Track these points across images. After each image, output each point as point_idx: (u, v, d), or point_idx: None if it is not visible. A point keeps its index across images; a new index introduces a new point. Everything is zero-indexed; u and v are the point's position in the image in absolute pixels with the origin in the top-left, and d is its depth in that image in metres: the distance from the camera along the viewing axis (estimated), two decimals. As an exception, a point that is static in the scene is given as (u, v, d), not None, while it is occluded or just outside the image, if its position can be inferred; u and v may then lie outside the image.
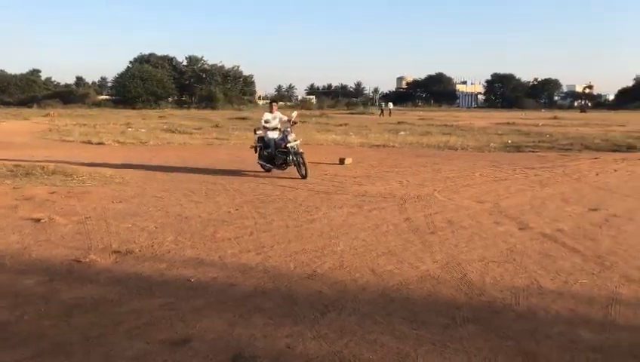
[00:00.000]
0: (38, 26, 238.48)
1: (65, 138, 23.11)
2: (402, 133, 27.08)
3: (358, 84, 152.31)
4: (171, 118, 42.42)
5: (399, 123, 37.90)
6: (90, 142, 21.06)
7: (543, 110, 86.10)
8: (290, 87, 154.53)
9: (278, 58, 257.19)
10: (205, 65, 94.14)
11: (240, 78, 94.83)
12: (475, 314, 4.58)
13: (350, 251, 6.40)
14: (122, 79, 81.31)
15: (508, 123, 39.44)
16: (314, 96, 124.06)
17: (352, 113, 65.16)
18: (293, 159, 12.19)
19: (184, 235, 7.04)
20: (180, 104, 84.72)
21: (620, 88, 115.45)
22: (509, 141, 22.60)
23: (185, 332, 4.14)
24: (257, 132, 13.26)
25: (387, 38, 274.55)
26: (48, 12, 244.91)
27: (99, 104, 78.85)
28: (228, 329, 4.22)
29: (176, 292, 5.01)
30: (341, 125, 32.87)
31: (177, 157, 16.24)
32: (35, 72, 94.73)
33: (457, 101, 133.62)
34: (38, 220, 7.66)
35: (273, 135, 12.82)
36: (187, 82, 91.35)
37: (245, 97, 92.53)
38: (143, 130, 27.41)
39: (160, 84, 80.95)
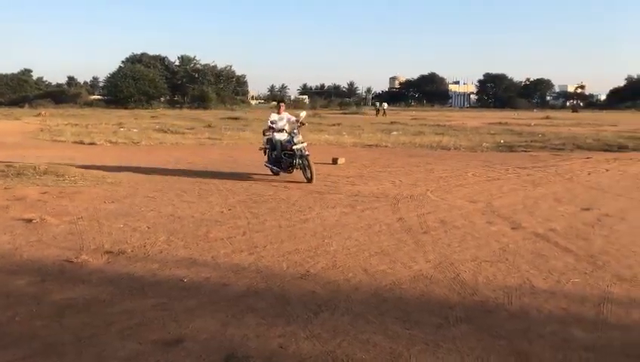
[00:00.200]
0: (29, 25, 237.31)
1: (56, 138, 23.00)
2: (395, 133, 27.11)
3: (351, 84, 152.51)
4: (163, 118, 42.28)
5: (392, 123, 37.93)
6: (82, 143, 20.97)
7: (535, 110, 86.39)
8: (283, 87, 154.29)
9: (271, 58, 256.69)
10: (198, 65, 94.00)
11: (232, 77, 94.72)
12: (468, 313, 4.59)
13: (343, 251, 6.40)
14: (114, 79, 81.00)
15: (500, 123, 39.53)
16: (307, 96, 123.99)
17: (345, 113, 65.16)
18: (298, 162, 11.71)
19: (177, 235, 7.02)
20: (172, 104, 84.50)
21: (611, 88, 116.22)
22: (502, 141, 22.67)
23: (177, 333, 4.13)
24: (266, 133, 12.68)
25: (380, 38, 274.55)
26: (40, 11, 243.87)
27: (91, 104, 78.54)
28: (221, 329, 4.21)
29: (169, 292, 4.99)
30: (334, 125, 32.88)
31: (170, 157, 16.19)
32: (27, 72, 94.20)
33: (450, 101, 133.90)
34: (29, 220, 7.61)
35: (280, 137, 12.26)
36: (179, 82, 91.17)
37: (238, 97, 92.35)
38: (135, 130, 27.31)
39: (152, 84, 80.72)
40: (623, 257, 6.26)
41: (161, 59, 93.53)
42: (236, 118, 42.33)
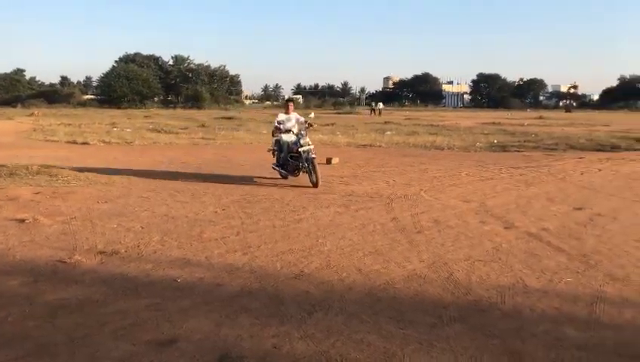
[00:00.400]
0: (21, 24, 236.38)
1: (49, 138, 22.91)
2: (389, 132, 27.14)
3: (345, 84, 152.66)
4: (157, 118, 42.20)
5: (386, 123, 37.99)
6: (75, 142, 20.89)
7: (528, 110, 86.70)
8: (277, 87, 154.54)
9: (265, 58, 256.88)
10: (191, 65, 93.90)
11: (226, 77, 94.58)
12: (462, 313, 4.60)
13: (337, 251, 6.40)
14: (107, 79, 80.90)
15: (494, 123, 39.67)
16: (301, 96, 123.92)
17: (339, 113, 65.17)
18: (304, 165, 11.13)
19: (170, 235, 7.00)
20: (165, 104, 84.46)
21: (604, 88, 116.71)
22: (495, 141, 22.74)
23: (171, 333, 4.12)
24: (275, 134, 11.95)
25: (374, 39, 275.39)
26: (32, 10, 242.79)
27: (84, 104, 78.39)
28: (214, 329, 4.21)
29: (163, 292, 4.98)
30: (328, 125, 32.85)
31: (163, 157, 16.15)
32: (19, 72, 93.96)
33: (443, 101, 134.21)
34: (22, 221, 7.58)
35: (288, 138, 11.60)
36: (173, 82, 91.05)
37: (232, 97, 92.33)
38: (128, 130, 27.24)
39: (146, 84, 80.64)
40: (616, 256, 6.29)
41: (154, 59, 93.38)
42: (230, 118, 42.30)
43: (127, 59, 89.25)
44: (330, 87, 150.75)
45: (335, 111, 70.51)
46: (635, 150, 19.61)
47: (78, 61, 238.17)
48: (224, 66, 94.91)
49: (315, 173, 10.96)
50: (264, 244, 6.64)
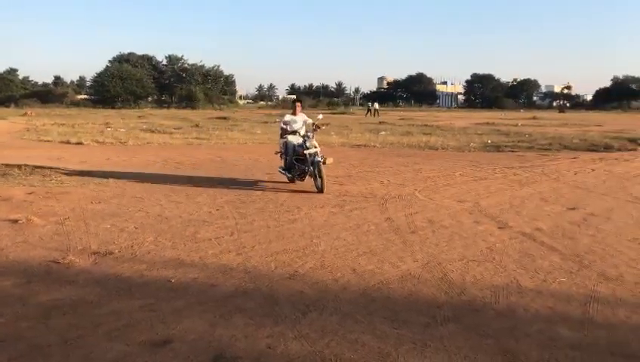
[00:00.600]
0: (14, 24, 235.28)
1: (43, 138, 22.79)
2: (383, 133, 27.15)
3: (339, 84, 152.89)
4: (151, 118, 42.09)
5: (380, 123, 38.02)
6: (68, 142, 20.79)
7: (522, 110, 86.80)
8: (271, 87, 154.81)
9: (260, 58, 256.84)
10: (185, 65, 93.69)
11: (220, 77, 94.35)
12: (456, 312, 4.61)
13: (331, 251, 6.41)
14: (101, 78, 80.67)
15: (487, 123, 39.72)
16: (295, 96, 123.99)
17: (334, 113, 65.11)
18: (310, 169, 10.57)
19: (164, 236, 6.99)
20: (159, 104, 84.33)
21: (597, 89, 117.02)
22: (489, 141, 22.78)
23: (165, 334, 4.11)
24: (283, 136, 11.41)
25: (369, 39, 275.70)
26: (25, 10, 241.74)
27: (77, 104, 78.19)
28: (209, 329, 4.20)
29: (157, 293, 4.97)
30: (322, 125, 32.81)
31: (157, 157, 16.10)
32: (12, 71, 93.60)
33: (438, 101, 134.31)
34: (15, 221, 7.55)
35: (295, 140, 11.03)
36: (167, 82, 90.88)
37: (226, 97, 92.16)
38: (122, 130, 27.16)
39: (139, 84, 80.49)
40: (609, 256, 6.32)
41: (148, 59, 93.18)
42: (224, 118, 42.26)
43: (121, 59, 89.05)
44: (325, 87, 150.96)
45: (329, 111, 70.40)
46: (628, 150, 19.72)
47: (72, 61, 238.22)
48: (218, 66, 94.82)
49: (321, 177, 10.37)
50: (258, 244, 6.63)
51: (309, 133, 11.00)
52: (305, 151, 10.56)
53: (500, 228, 7.66)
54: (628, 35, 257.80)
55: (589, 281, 5.46)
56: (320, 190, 10.29)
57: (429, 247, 6.61)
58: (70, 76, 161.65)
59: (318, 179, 10.42)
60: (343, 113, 65.92)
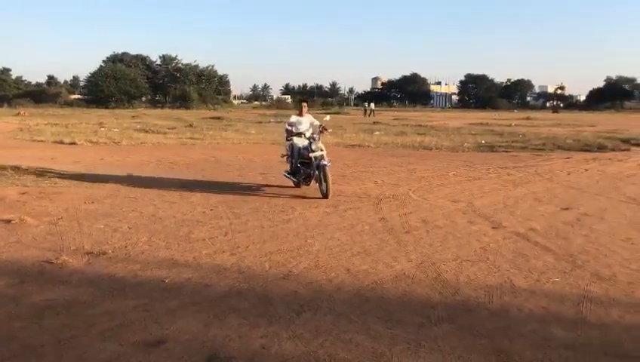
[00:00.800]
0: (7, 23, 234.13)
1: (36, 138, 22.71)
2: (377, 133, 27.19)
3: (334, 84, 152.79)
4: (145, 118, 42.02)
5: (374, 123, 38.08)
6: (62, 142, 20.72)
7: (515, 110, 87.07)
8: (266, 87, 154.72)
9: (254, 58, 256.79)
10: (179, 65, 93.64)
11: (214, 77, 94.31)
12: (450, 312, 4.61)
13: (325, 251, 6.40)
14: (95, 78, 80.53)
15: (481, 123, 39.83)
16: (289, 96, 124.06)
17: (328, 113, 65.03)
18: (315, 173, 10.04)
19: (158, 236, 6.97)
20: (153, 103, 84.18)
21: (591, 89, 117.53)
22: (483, 141, 22.84)
23: (159, 334, 4.10)
24: (288, 139, 10.82)
25: (363, 39, 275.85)
26: (19, 9, 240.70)
27: (71, 104, 78.00)
28: (203, 330, 4.19)
29: (150, 293, 4.95)
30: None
31: (151, 157, 16.06)
32: (5, 71, 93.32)
33: (432, 101, 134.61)
34: (8, 221, 7.51)
35: (300, 142, 10.53)
36: (161, 81, 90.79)
37: (220, 97, 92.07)
38: (116, 130, 27.10)
39: (133, 84, 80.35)
40: (602, 256, 6.34)
41: (142, 59, 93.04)
42: (218, 118, 42.26)
43: (115, 59, 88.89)
44: (319, 87, 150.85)
45: (324, 112, 70.23)
46: (622, 150, 19.82)
47: (65, 61, 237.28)
48: (212, 66, 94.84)
49: (327, 182, 9.76)
50: (252, 245, 6.62)
51: (314, 135, 10.53)
52: (310, 154, 10.08)
53: (493, 228, 7.67)
54: (621, 36, 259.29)
55: (583, 281, 5.47)
56: (325, 195, 9.74)
57: (423, 247, 6.61)
58: (64, 76, 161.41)
59: (324, 184, 9.86)
60: (338, 113, 65.81)
